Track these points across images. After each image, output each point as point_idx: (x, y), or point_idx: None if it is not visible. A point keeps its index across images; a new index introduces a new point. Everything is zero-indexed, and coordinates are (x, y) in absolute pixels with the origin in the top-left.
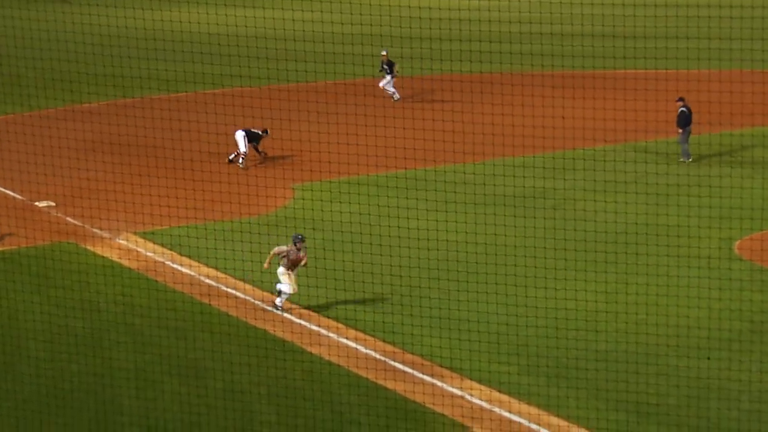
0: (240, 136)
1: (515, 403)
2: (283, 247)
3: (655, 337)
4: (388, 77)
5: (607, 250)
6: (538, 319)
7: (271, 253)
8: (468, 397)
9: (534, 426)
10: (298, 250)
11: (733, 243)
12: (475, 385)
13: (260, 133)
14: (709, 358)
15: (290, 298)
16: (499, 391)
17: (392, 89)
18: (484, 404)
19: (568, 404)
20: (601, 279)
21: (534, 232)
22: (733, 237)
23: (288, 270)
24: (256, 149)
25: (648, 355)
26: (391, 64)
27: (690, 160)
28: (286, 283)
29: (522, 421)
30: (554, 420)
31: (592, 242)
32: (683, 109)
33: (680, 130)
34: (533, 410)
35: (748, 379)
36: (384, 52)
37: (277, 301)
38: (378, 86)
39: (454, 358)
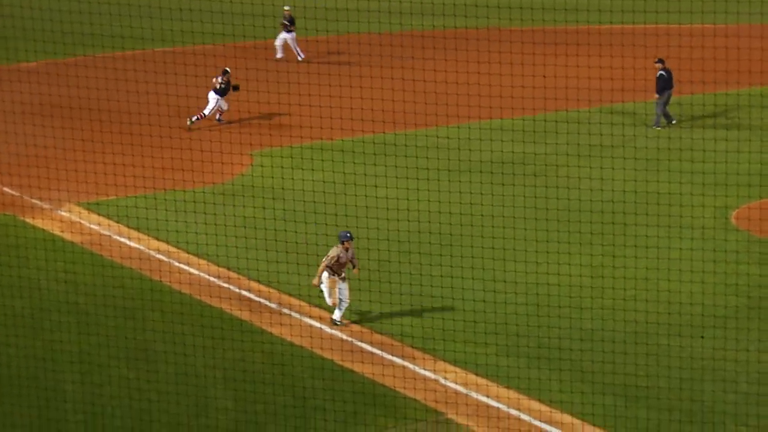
0: (212, 97)
1: (493, 387)
2: (333, 254)
3: (645, 314)
4: (285, 35)
5: (592, 220)
6: (518, 295)
7: (322, 265)
8: (442, 380)
9: (513, 411)
10: (347, 251)
11: (729, 212)
12: (450, 367)
13: (222, 80)
14: (703, 337)
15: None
16: (476, 374)
17: (280, 44)
18: (460, 388)
19: (551, 387)
20: (586, 252)
21: (513, 201)
22: (729, 206)
23: (332, 276)
24: (236, 87)
25: (637, 334)
26: (292, 20)
27: (659, 128)
28: (326, 293)
29: (500, 406)
30: (535, 404)
31: (576, 212)
32: (662, 72)
33: (657, 96)
34: (513, 394)
35: (746, 359)
36: (287, 8)
37: (336, 315)
38: (275, 45)
39: (426, 338)
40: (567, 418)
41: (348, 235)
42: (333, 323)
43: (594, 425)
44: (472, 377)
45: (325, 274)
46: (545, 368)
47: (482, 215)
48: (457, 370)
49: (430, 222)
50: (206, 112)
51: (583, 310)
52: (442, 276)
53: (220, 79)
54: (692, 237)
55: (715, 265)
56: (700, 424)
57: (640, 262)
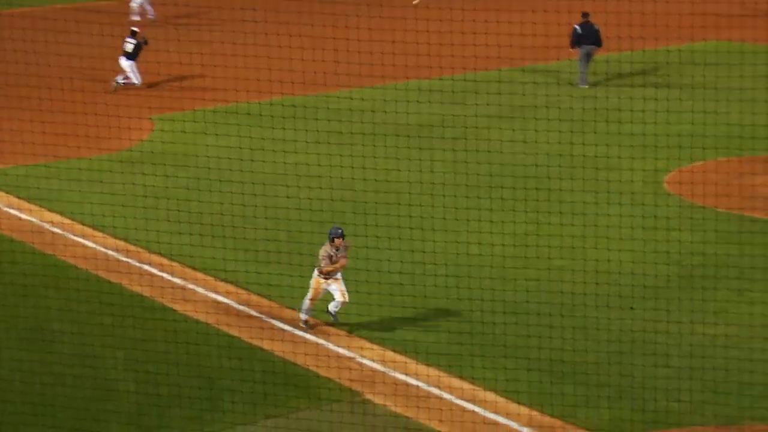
0: (125, 64)
1: (413, 365)
2: (324, 258)
3: (572, 285)
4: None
5: (516, 185)
6: (438, 266)
7: (317, 280)
8: (358, 358)
9: (434, 390)
10: (337, 250)
11: (661, 176)
12: (367, 344)
13: (138, 42)
14: (633, 308)
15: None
16: (394, 351)
17: (145, 7)
18: (377, 366)
19: (473, 364)
20: (510, 219)
21: (433, 166)
22: (661, 169)
23: (319, 275)
24: (144, 41)
25: (563, 306)
26: None
27: (586, 86)
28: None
29: (420, 384)
30: (456, 382)
31: (499, 177)
32: (576, 26)
33: (570, 50)
34: (432, 372)
35: (678, 331)
36: None
37: (331, 306)
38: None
39: (341, 313)
40: (490, 396)
41: (339, 231)
42: (328, 313)
43: (518, 403)
44: (390, 354)
45: (316, 272)
46: (467, 344)
47: (400, 182)
48: (375, 347)
49: (345, 189)
50: (136, 82)
51: (508, 282)
52: (358, 247)
53: (129, 40)
54: (621, 203)
55: (645, 232)
56: (630, 400)
57: (567, 230)
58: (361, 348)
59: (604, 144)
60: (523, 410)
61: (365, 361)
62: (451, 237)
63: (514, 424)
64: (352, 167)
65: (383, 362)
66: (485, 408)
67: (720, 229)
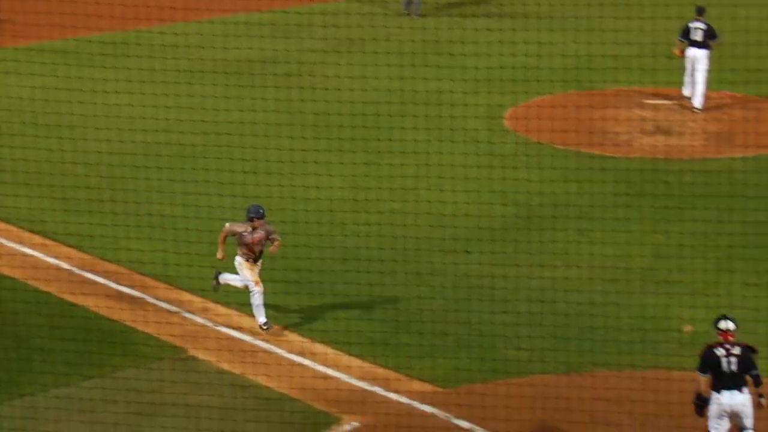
0: None
1: (238, 317)
2: (237, 226)
3: (405, 228)
4: None
5: (344, 124)
6: (269, 212)
7: (222, 233)
8: (183, 312)
9: (262, 343)
10: (254, 230)
11: (497, 111)
12: (190, 296)
13: None
14: (469, 252)
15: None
16: (219, 304)
17: None
18: (202, 320)
19: (303, 315)
20: (339, 161)
21: (255, 104)
22: (496, 104)
23: (247, 260)
24: None
25: (397, 251)
26: None
27: (415, 15)
28: (235, 277)
29: (247, 338)
30: (288, 335)
31: (327, 115)
32: None
33: None
34: None
35: (517, 275)
36: None
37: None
38: None
39: (163, 264)
40: (321, 348)
41: (260, 211)
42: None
43: (351, 355)
44: (214, 307)
45: (240, 259)
46: (296, 293)
47: (217, 122)
48: (197, 299)
49: (165, 131)
50: None
51: (337, 227)
52: (179, 193)
53: None
54: (455, 140)
55: (481, 170)
56: (468, 348)
57: (400, 170)
58: (184, 301)
59: (437, 78)
60: (356, 362)
61: (188, 315)
62: (282, 180)
63: (345, 377)
64: (172, 107)
65: (207, 316)
66: (315, 361)
67: (558, 166)
